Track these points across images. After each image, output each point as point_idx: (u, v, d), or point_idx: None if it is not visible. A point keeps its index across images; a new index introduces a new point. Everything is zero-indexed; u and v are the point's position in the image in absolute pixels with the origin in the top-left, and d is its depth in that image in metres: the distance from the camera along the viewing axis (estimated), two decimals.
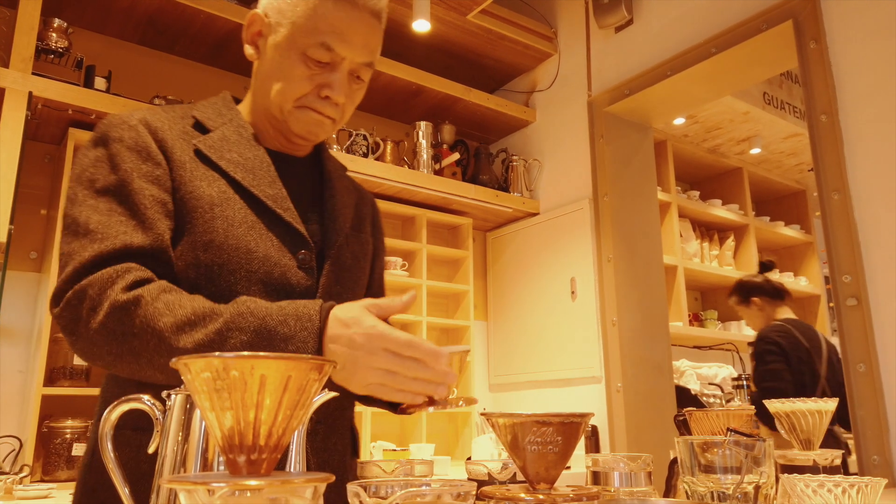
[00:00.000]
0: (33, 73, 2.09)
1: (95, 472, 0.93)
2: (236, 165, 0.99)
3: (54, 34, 2.22)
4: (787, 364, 2.86)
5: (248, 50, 1.06)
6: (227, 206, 0.96)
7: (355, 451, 1.10)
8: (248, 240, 0.96)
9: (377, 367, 0.80)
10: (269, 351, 0.77)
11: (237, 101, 1.12)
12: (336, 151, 2.74)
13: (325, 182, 1.12)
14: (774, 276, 3.37)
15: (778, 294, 3.14)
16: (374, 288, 1.23)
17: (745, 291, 3.21)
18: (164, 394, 0.69)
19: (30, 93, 2.06)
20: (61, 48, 2.22)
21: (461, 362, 0.90)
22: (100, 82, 2.27)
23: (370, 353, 0.80)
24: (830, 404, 1.05)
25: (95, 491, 0.92)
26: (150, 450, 0.68)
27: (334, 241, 1.05)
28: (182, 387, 0.67)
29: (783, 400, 1.08)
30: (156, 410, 0.68)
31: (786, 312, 3.12)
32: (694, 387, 3.61)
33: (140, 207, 0.91)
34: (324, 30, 0.97)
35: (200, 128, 1.02)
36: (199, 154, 0.98)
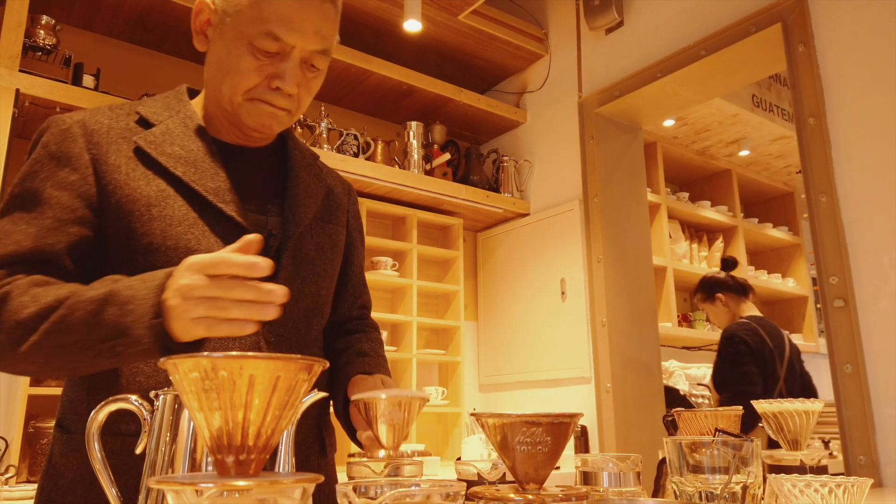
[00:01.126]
0: (20, 71, 2.07)
1: (52, 478, 0.91)
2: (177, 160, 0.95)
3: (42, 31, 2.20)
4: (756, 365, 2.84)
5: (197, 40, 1.01)
6: (165, 206, 0.92)
7: (323, 450, 1.07)
8: (187, 238, 0.92)
9: (196, 297, 0.72)
10: (110, 314, 0.76)
11: (197, 92, 1.09)
12: (326, 151, 2.73)
13: (288, 171, 1.08)
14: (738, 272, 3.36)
15: (742, 290, 3.13)
16: (353, 281, 1.19)
17: (709, 288, 3.20)
18: (152, 394, 0.68)
19: (17, 90, 2.05)
20: (49, 45, 2.20)
21: (418, 410, 0.86)
22: (88, 80, 2.25)
23: (187, 284, 0.73)
24: (817, 405, 1.06)
25: (51, 498, 0.91)
26: (138, 450, 0.67)
27: (292, 233, 1.01)
28: (170, 387, 0.67)
29: (770, 401, 1.08)
30: (143, 411, 0.68)
31: (750, 308, 3.10)
32: (682, 387, 3.63)
33: (42, 215, 0.89)
34: (269, 18, 0.92)
35: (145, 123, 0.98)
36: (139, 151, 0.95)
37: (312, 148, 2.65)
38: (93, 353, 0.78)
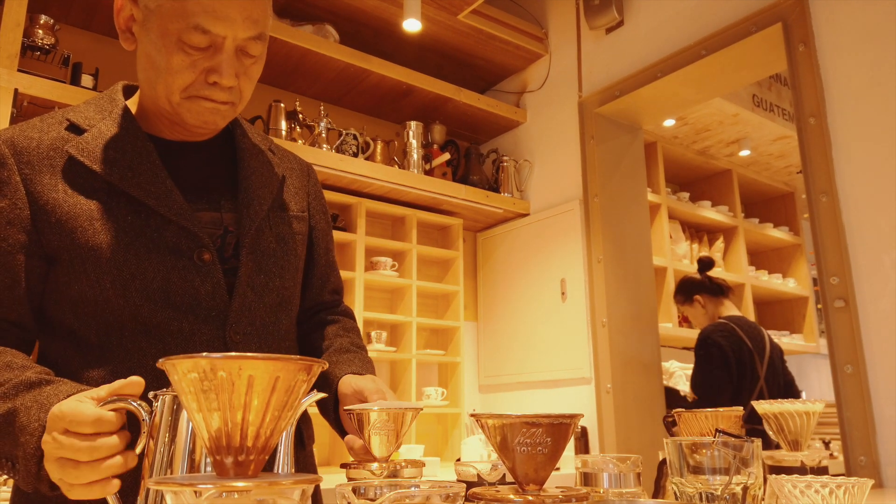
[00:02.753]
0: (19, 70, 2.07)
1: (22, 491, 0.89)
2: (113, 165, 0.91)
3: (41, 31, 2.19)
4: (727, 369, 2.84)
5: (123, 38, 0.96)
6: (108, 218, 0.89)
7: (301, 442, 1.06)
8: (136, 250, 0.89)
9: (54, 458, 0.69)
10: (5, 433, 0.75)
11: (135, 88, 1.04)
12: (326, 151, 2.73)
13: (237, 163, 1.03)
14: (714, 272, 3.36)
15: (719, 290, 3.13)
16: (320, 264, 1.15)
17: (686, 290, 3.20)
18: (151, 394, 0.68)
19: (15, 90, 2.04)
20: (48, 45, 2.20)
21: (411, 421, 0.85)
22: (87, 80, 2.25)
23: (53, 440, 0.69)
24: (818, 406, 1.06)
25: None
26: (137, 450, 0.67)
27: (249, 228, 0.97)
28: (169, 388, 0.67)
29: (771, 401, 1.08)
30: (142, 411, 0.67)
31: (729, 309, 3.10)
32: (683, 388, 3.62)
33: None
34: (194, 10, 0.86)
35: (76, 130, 0.94)
36: (73, 161, 0.91)
37: (311, 148, 2.67)
38: None
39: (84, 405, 0.68)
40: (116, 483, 0.69)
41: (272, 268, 1.00)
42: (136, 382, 0.70)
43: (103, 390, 0.71)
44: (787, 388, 3.00)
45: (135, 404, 0.68)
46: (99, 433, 0.68)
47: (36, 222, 0.89)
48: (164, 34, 0.88)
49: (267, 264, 0.99)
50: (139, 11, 0.92)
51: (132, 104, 1.01)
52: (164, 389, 0.67)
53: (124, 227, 0.90)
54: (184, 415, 0.65)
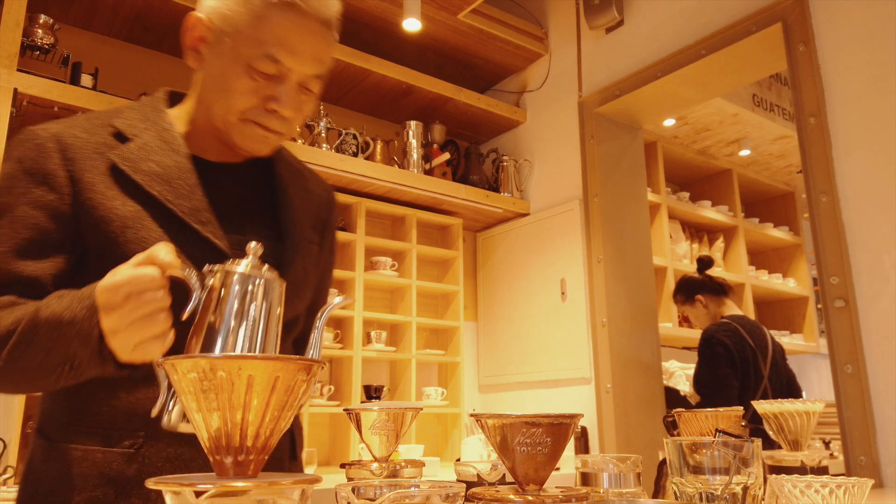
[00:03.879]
0: (18, 70, 2.07)
1: (32, 483, 0.90)
2: (153, 177, 0.92)
3: (40, 30, 2.19)
4: (733, 368, 2.84)
5: (189, 56, 0.98)
6: (140, 228, 0.90)
7: (294, 453, 1.06)
8: None
9: (130, 320, 0.73)
10: (56, 336, 0.77)
11: (178, 96, 1.06)
12: (325, 150, 2.73)
13: (277, 189, 1.05)
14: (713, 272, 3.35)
15: (721, 290, 3.12)
16: (321, 300, 1.14)
17: (688, 290, 3.18)
18: (206, 268, 0.75)
19: (15, 89, 2.04)
20: (47, 45, 2.20)
21: (411, 420, 0.86)
22: (86, 79, 2.25)
23: (121, 309, 0.73)
24: (818, 406, 1.06)
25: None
26: (185, 316, 0.73)
27: (291, 258, 0.99)
28: (223, 264, 0.75)
29: (771, 401, 1.08)
30: (194, 279, 0.74)
31: (730, 308, 3.10)
32: (683, 388, 3.62)
33: (16, 234, 0.88)
34: (269, 41, 0.90)
35: (121, 137, 0.95)
36: (115, 169, 0.92)
37: (311, 148, 2.67)
38: (55, 376, 0.79)
39: (138, 269, 0.73)
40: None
41: (294, 298, 1.00)
42: (165, 252, 0.74)
43: (140, 257, 0.75)
44: (788, 384, 3.00)
45: (185, 272, 0.73)
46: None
47: (76, 220, 0.91)
48: (235, 57, 0.92)
49: (291, 294, 0.99)
50: (212, 34, 0.94)
51: (177, 117, 1.02)
52: (220, 265, 0.74)
53: (154, 240, 0.90)
54: (233, 290, 0.73)
